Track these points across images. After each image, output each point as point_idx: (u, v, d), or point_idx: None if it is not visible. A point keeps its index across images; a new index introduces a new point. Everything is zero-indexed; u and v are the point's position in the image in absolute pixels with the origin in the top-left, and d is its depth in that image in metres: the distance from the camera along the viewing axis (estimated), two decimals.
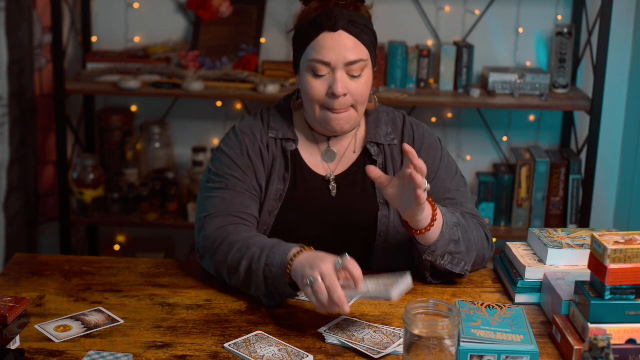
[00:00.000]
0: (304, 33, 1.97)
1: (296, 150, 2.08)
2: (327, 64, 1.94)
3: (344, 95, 1.95)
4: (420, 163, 1.75)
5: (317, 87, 1.96)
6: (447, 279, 1.99)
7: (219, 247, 1.93)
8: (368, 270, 1.99)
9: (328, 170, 2.09)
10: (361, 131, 2.11)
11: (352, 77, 1.96)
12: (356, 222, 2.05)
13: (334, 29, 1.94)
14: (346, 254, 1.73)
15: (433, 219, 1.86)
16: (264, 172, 2.05)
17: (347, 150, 2.09)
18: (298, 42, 2.00)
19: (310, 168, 2.08)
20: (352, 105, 1.98)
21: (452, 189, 2.07)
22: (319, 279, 1.70)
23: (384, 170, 2.06)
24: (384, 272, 1.82)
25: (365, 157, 2.08)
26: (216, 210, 1.99)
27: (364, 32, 1.97)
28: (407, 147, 1.75)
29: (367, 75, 1.98)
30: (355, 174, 2.08)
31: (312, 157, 2.09)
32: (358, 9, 1.99)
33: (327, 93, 1.96)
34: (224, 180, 2.03)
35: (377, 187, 2.01)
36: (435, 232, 1.88)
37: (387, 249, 2.05)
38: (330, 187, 2.07)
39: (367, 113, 2.10)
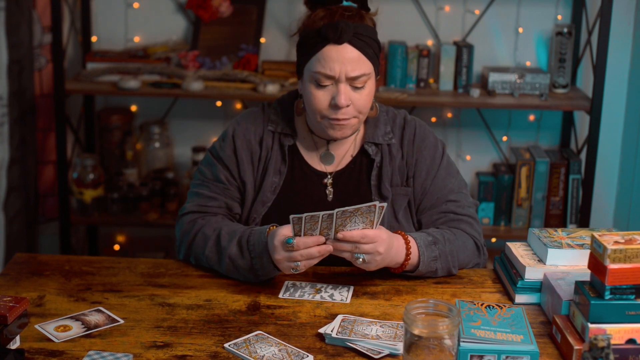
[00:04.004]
0: (309, 42, 1.98)
1: (294, 145, 2.11)
2: (331, 77, 1.96)
3: (347, 106, 1.97)
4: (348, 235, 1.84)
5: (320, 97, 1.98)
6: None
7: (194, 241, 2.06)
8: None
9: (326, 172, 2.11)
10: (360, 133, 2.13)
11: (356, 88, 1.98)
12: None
13: (339, 42, 1.94)
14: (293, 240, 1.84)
15: (408, 251, 1.94)
16: (250, 165, 2.10)
17: (346, 154, 2.12)
18: (302, 51, 2.01)
19: (309, 164, 2.11)
20: (354, 116, 2.00)
21: (454, 191, 2.11)
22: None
23: (380, 168, 2.09)
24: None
25: (362, 156, 2.11)
26: (191, 207, 2.11)
27: (369, 45, 1.98)
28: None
29: (370, 87, 2.00)
30: (351, 172, 2.10)
31: (310, 157, 2.12)
32: (363, 18, 2.00)
33: (330, 104, 1.98)
34: (203, 179, 2.13)
35: (372, 184, 2.06)
36: (414, 260, 1.96)
37: None
38: (327, 191, 2.10)
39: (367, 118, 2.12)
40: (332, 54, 1.94)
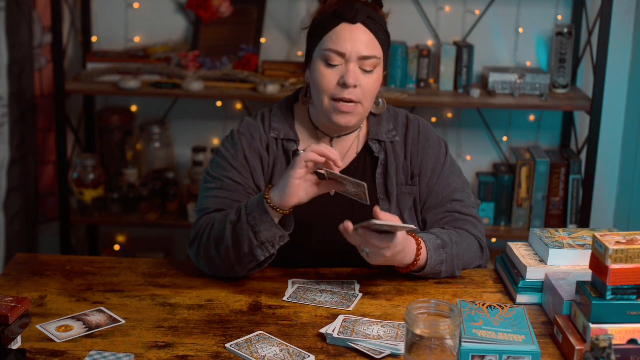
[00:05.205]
0: (322, 24, 2.02)
1: (297, 151, 2.10)
2: (342, 54, 1.98)
3: (354, 87, 1.98)
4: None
5: (329, 76, 1.99)
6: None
7: (203, 233, 1.99)
8: (364, 267, 2.05)
9: None
10: (363, 131, 2.13)
11: (364, 71, 2.00)
12: (356, 217, 2.06)
13: (353, 21, 1.99)
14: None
15: (417, 255, 1.93)
16: (262, 172, 2.09)
17: (349, 151, 2.11)
18: (315, 33, 2.04)
19: None
20: (360, 101, 2.00)
21: (459, 190, 2.12)
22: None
23: (385, 166, 2.10)
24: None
25: (366, 153, 2.11)
26: (207, 207, 2.06)
27: (381, 31, 2.02)
28: (345, 224, 1.85)
29: (378, 73, 2.02)
30: (355, 170, 2.10)
31: None
32: (377, 10, 2.05)
33: (338, 82, 1.99)
34: (218, 181, 2.08)
35: (377, 181, 2.06)
36: (421, 262, 1.96)
37: None
38: None
39: (371, 114, 2.13)
40: (345, 33, 1.98)
